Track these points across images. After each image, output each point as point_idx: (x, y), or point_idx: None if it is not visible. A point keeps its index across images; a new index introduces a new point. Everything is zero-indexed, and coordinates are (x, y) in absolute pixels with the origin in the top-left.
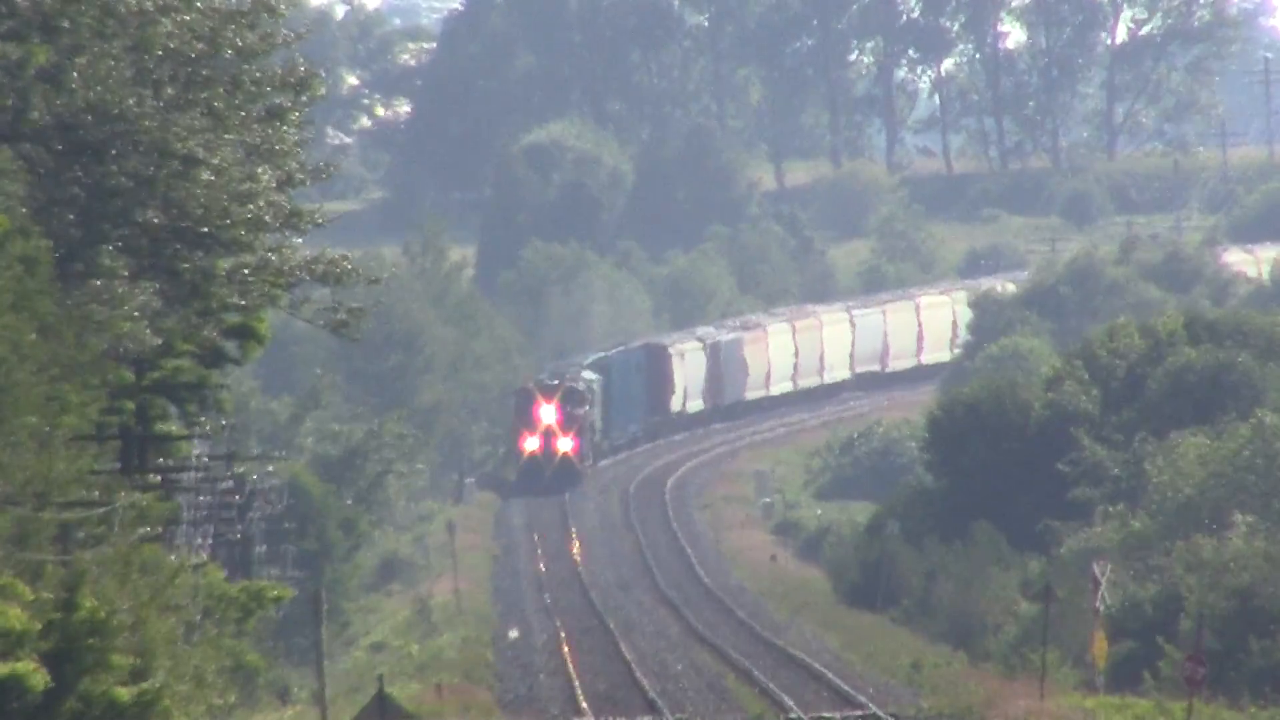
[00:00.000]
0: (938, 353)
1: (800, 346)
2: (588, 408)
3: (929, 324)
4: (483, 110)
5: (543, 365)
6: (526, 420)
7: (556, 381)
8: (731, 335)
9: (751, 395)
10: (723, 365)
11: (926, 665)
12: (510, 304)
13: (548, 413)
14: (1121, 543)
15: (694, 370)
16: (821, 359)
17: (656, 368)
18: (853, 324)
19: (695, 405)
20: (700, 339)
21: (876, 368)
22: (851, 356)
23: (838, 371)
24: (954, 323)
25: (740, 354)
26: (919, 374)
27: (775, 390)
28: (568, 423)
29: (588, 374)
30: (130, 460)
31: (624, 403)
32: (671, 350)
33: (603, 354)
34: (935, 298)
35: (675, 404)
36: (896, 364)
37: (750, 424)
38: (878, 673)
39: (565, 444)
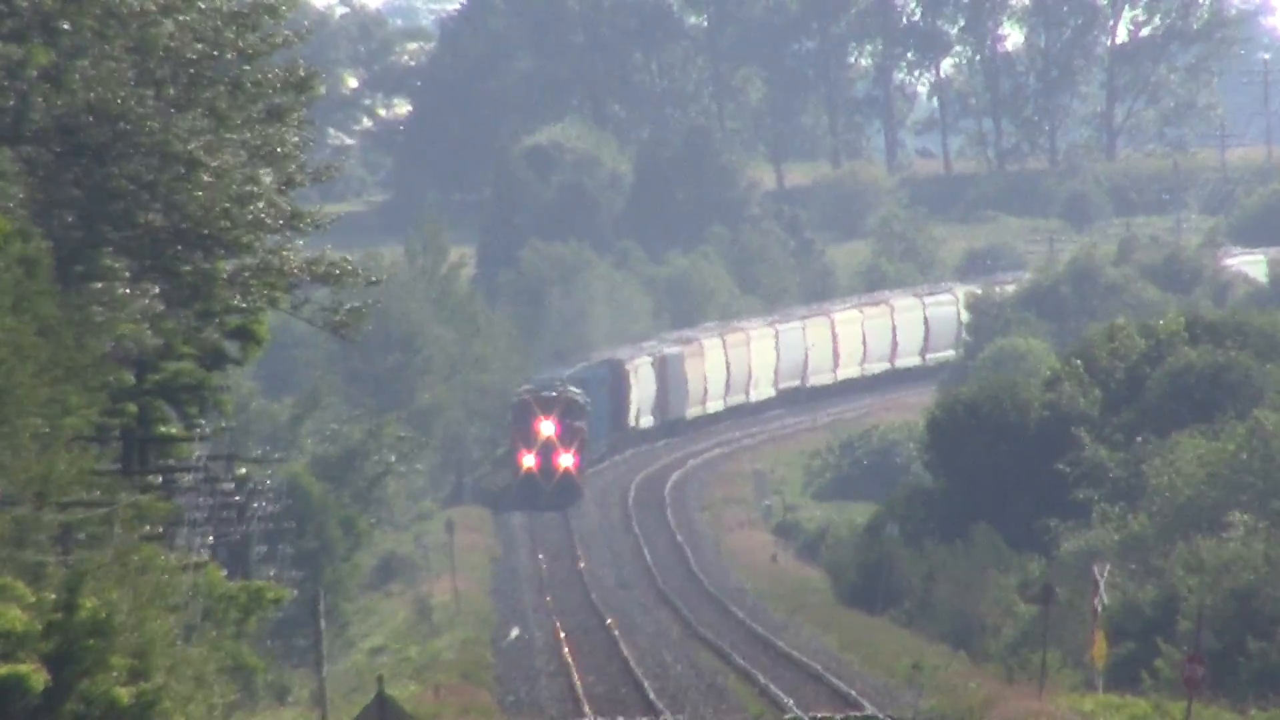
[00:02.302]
0: (850, 369)
1: (731, 362)
2: (586, 421)
3: (843, 340)
4: (483, 111)
5: (539, 370)
6: (525, 435)
7: (555, 394)
8: (675, 350)
9: (691, 413)
10: (669, 381)
11: (926, 666)
12: (510, 304)
13: (547, 426)
14: (1121, 543)
15: (646, 386)
16: (749, 375)
17: (617, 383)
18: (777, 339)
19: (647, 421)
20: (650, 354)
21: (797, 383)
22: (776, 373)
23: (763, 389)
24: (864, 338)
25: (682, 370)
26: (835, 391)
27: (711, 408)
28: (568, 436)
29: (573, 389)
30: (131, 461)
31: (596, 418)
32: (628, 366)
33: (576, 368)
34: (848, 314)
35: (631, 420)
36: (815, 380)
37: (737, 429)
38: (877, 673)
39: (566, 459)
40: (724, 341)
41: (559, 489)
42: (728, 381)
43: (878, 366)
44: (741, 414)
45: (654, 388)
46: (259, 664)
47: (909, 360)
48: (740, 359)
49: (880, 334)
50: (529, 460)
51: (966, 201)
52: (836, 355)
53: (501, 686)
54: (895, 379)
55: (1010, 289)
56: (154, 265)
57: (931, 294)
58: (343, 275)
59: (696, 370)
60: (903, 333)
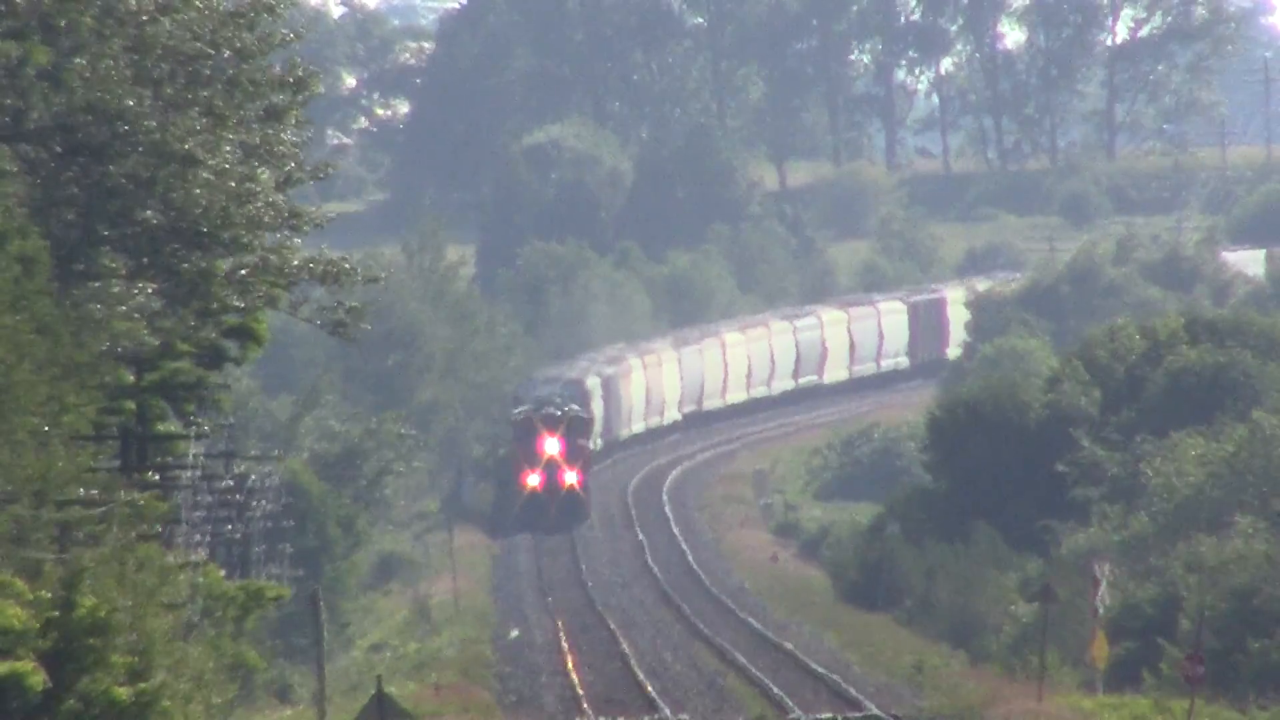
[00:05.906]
0: (737, 393)
1: (649, 383)
2: (590, 439)
3: (732, 363)
4: (482, 110)
5: (526, 389)
6: (528, 453)
7: (559, 411)
8: (611, 370)
9: (622, 434)
10: (609, 400)
11: (927, 665)
12: (510, 304)
13: (551, 444)
14: (1121, 543)
15: (599, 407)
16: (663, 396)
17: (584, 403)
18: (680, 362)
19: (597, 443)
20: (597, 374)
21: (694, 407)
22: (681, 395)
23: (670, 411)
24: (749, 361)
25: (618, 390)
26: (727, 414)
27: (635, 429)
28: (572, 455)
29: (575, 405)
30: (129, 459)
31: None
32: (588, 384)
33: (556, 385)
34: (735, 335)
35: (591, 441)
36: (709, 403)
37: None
38: (878, 673)
39: (571, 477)
40: (643, 362)
41: (564, 508)
42: (647, 402)
43: (759, 390)
44: (654, 436)
45: (602, 406)
46: (259, 662)
47: (783, 384)
48: (655, 380)
49: (760, 357)
50: (533, 480)
51: (966, 200)
52: (725, 378)
53: (502, 685)
54: (770, 403)
55: (871, 309)
56: (152, 263)
57: (800, 316)
58: (341, 274)
59: (627, 391)
60: (778, 356)
